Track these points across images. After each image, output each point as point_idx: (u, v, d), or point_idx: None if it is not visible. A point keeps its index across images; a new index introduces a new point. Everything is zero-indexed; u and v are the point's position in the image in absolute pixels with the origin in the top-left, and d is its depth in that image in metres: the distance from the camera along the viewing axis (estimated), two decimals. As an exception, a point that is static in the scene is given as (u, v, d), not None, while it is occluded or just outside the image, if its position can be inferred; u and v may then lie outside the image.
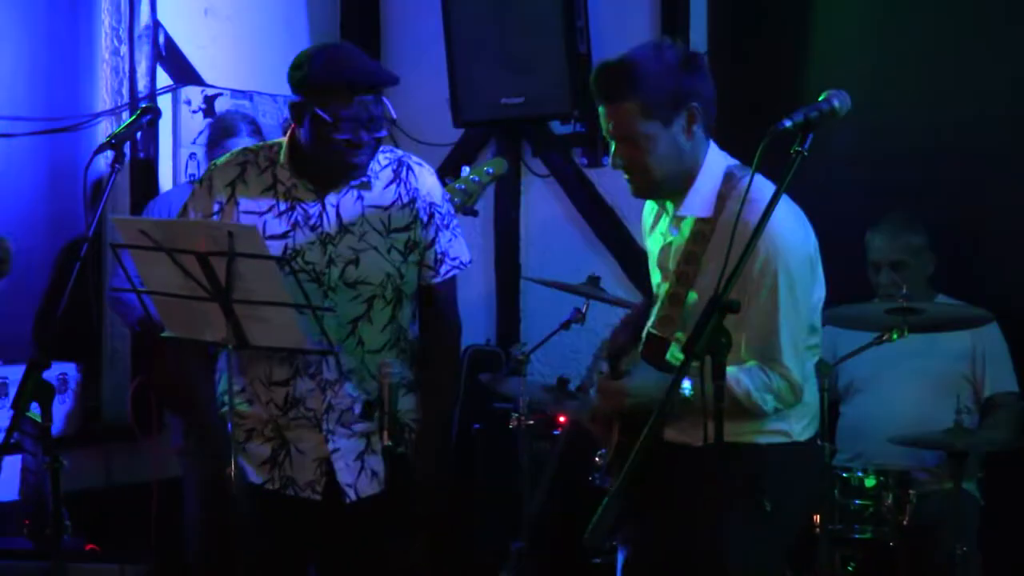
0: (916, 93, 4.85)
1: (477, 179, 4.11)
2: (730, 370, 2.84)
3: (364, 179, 3.30)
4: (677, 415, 2.95)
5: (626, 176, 3.09)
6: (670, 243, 3.13)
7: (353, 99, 3.17)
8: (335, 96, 3.17)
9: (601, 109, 3.07)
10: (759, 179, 2.89)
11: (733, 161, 3.13)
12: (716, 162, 3.09)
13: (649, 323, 3.12)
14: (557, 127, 5.56)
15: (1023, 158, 4.68)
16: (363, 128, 3.20)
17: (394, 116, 3.28)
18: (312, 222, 3.27)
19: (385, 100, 3.25)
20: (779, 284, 2.96)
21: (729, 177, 3.06)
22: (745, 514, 2.73)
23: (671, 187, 3.07)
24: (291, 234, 3.26)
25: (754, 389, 2.97)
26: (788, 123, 2.62)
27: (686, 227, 3.08)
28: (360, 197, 3.30)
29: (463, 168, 4.14)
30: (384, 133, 3.27)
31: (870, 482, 4.20)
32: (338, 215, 3.28)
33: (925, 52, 4.85)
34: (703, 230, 3.03)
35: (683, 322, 3.04)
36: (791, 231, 2.99)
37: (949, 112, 4.78)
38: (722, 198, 3.03)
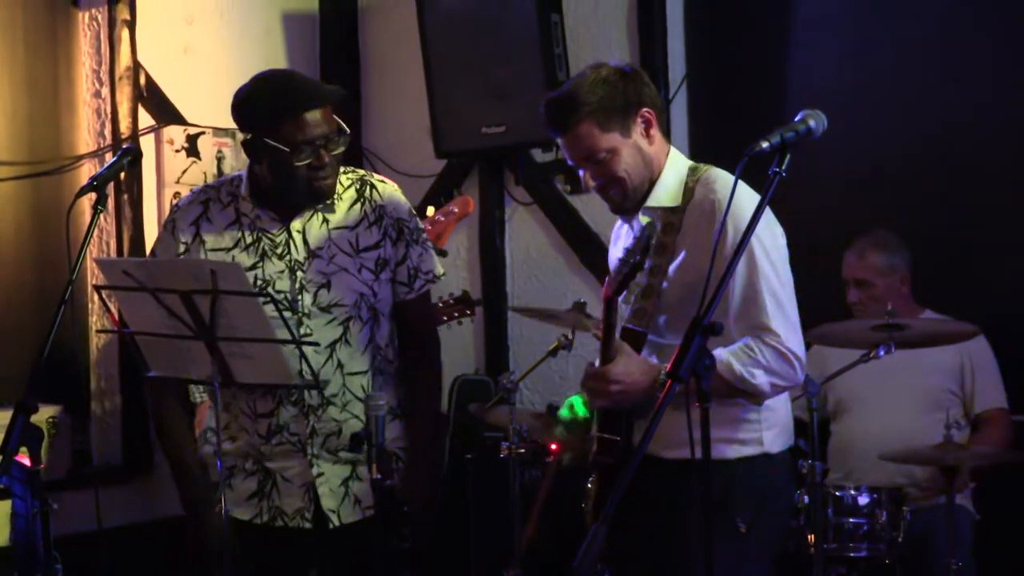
0: (901, 108, 4.87)
1: (442, 218, 4.14)
2: (716, 351, 2.83)
3: (324, 202, 3.28)
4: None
5: (602, 195, 3.12)
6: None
7: (303, 121, 3.14)
8: (285, 123, 3.15)
9: (561, 142, 3.12)
10: (723, 172, 3.01)
11: (692, 162, 3.18)
12: (679, 160, 3.15)
13: (625, 318, 3.09)
14: (539, 155, 5.58)
15: (1008, 171, 4.69)
16: (321, 147, 3.18)
17: (347, 129, 3.23)
18: (279, 251, 3.27)
19: (335, 116, 3.22)
20: (754, 251, 2.93)
21: (693, 170, 3.12)
22: (721, 535, 2.70)
23: (643, 195, 3.10)
24: (259, 265, 3.26)
25: (737, 362, 2.89)
26: (765, 145, 2.62)
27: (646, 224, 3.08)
28: (325, 220, 3.29)
29: (428, 209, 4.16)
30: (341, 149, 3.23)
31: (864, 500, 4.20)
32: (305, 241, 3.27)
33: (907, 67, 4.88)
34: (672, 221, 3.06)
35: (657, 312, 3.03)
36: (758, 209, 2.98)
37: (933, 126, 4.79)
38: (688, 188, 3.08)
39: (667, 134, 3.18)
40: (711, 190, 3.01)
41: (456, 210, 4.32)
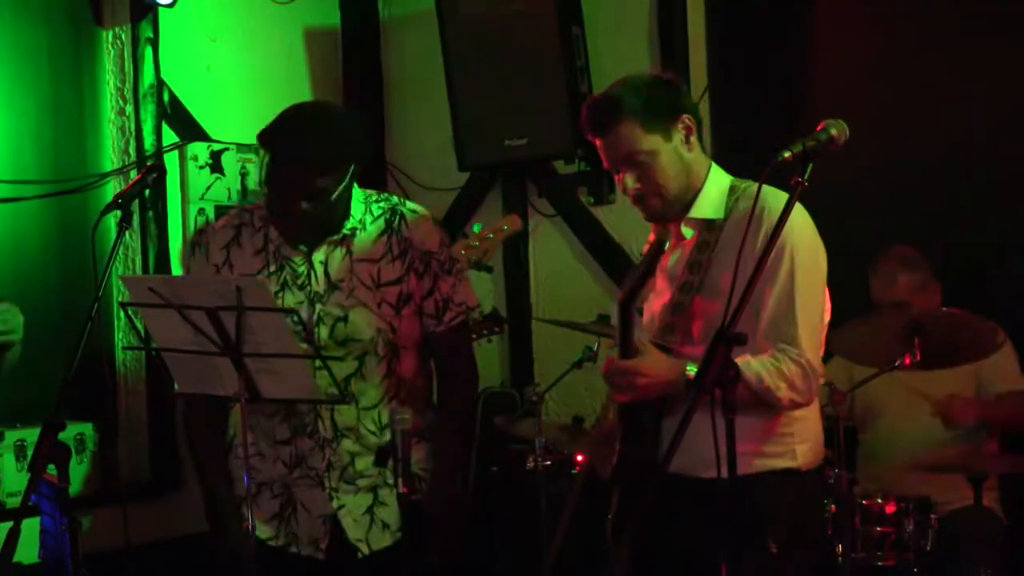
0: (926, 114, 4.84)
1: (492, 236, 4.13)
2: (741, 358, 2.82)
3: (346, 232, 3.27)
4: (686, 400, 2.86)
5: (638, 202, 3.06)
6: (673, 256, 3.11)
7: (274, 160, 3.17)
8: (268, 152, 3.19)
9: (599, 143, 3.06)
10: (768, 187, 2.92)
11: (733, 178, 3.15)
12: (721, 175, 3.12)
13: (652, 334, 3.06)
14: (562, 167, 5.58)
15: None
16: (288, 195, 3.16)
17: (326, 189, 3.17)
18: (300, 281, 3.27)
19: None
20: (796, 267, 2.92)
21: (736, 186, 3.09)
22: (752, 558, 2.66)
23: (682, 205, 3.06)
24: (280, 295, 3.25)
25: (765, 372, 2.87)
26: (788, 155, 2.62)
27: (689, 236, 3.07)
28: (348, 252, 3.27)
29: (475, 225, 4.15)
30: (319, 203, 3.17)
31: (891, 509, 4.17)
32: (326, 272, 3.26)
33: (933, 74, 4.84)
34: (708, 239, 3.02)
35: (686, 329, 3.01)
36: (807, 223, 2.98)
37: (959, 131, 4.77)
38: (732, 200, 3.05)
39: (705, 150, 3.14)
40: (757, 200, 2.87)
41: (506, 228, 4.30)
